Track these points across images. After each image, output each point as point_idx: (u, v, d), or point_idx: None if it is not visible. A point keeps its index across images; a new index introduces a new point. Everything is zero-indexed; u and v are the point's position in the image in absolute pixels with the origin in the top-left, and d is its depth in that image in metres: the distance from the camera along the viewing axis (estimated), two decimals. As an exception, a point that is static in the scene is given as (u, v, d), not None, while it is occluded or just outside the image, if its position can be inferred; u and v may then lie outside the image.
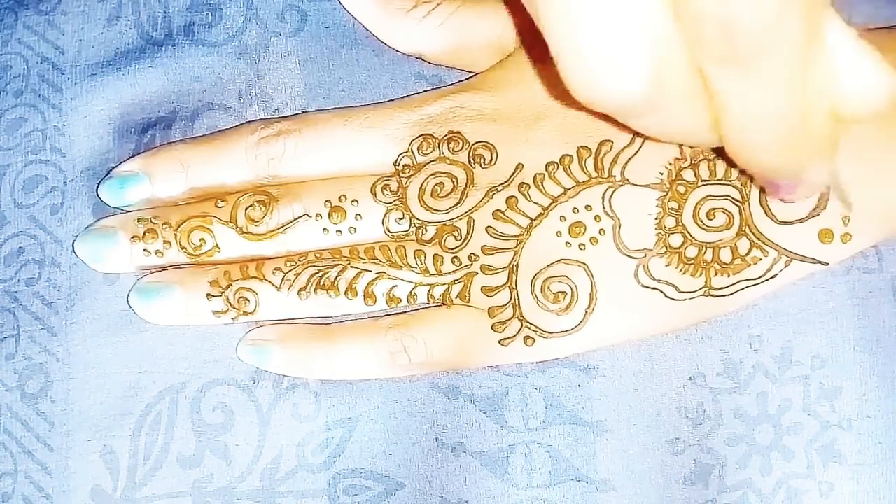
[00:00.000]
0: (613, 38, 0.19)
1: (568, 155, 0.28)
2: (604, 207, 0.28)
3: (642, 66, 0.20)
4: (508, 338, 0.28)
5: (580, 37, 0.20)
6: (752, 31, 0.18)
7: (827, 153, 0.22)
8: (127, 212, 0.30)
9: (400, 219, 0.29)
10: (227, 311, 0.29)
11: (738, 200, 0.27)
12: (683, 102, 0.21)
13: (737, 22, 0.18)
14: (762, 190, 0.27)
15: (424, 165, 0.29)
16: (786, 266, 0.27)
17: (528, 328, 0.28)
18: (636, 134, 0.28)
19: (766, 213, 0.27)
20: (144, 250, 0.29)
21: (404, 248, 0.29)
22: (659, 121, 0.22)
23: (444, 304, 0.29)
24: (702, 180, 0.27)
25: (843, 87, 0.21)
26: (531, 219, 0.28)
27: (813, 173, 0.23)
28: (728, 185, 0.27)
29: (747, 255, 0.27)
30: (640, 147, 0.28)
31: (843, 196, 0.26)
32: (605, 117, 0.22)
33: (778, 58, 0.19)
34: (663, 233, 0.28)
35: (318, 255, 0.29)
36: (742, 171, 0.27)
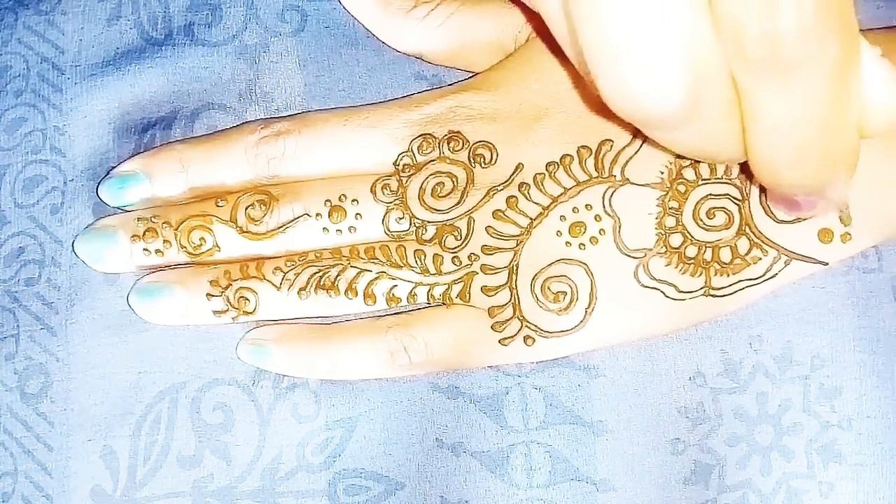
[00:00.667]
0: (649, 46, 0.19)
1: (568, 155, 0.28)
2: (604, 207, 0.28)
3: (679, 75, 0.20)
4: (508, 337, 0.28)
5: (615, 45, 0.20)
6: (796, 44, 0.18)
7: (851, 167, 0.22)
8: (127, 211, 0.30)
9: (400, 218, 0.29)
10: (227, 310, 0.29)
11: (737, 199, 0.27)
12: (719, 114, 0.21)
13: (781, 33, 0.18)
14: (762, 189, 0.27)
15: (424, 165, 0.29)
16: (785, 265, 0.27)
17: (529, 328, 0.28)
18: (636, 133, 0.28)
19: (765, 213, 0.27)
20: (144, 250, 0.29)
21: (404, 247, 0.29)
22: (691, 134, 0.22)
23: (444, 303, 0.29)
24: (702, 179, 0.27)
25: (867, 103, 0.21)
26: (531, 218, 0.28)
27: (834, 189, 0.23)
28: (728, 183, 0.27)
29: (747, 254, 0.27)
30: (640, 146, 0.28)
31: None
32: (609, 116, 0.22)
33: (818, 70, 0.19)
34: (663, 232, 0.28)
35: (318, 255, 0.29)
36: (747, 174, 0.27)
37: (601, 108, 0.22)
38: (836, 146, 0.21)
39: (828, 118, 0.20)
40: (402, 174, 0.29)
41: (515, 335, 0.28)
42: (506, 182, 0.28)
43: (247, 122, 0.31)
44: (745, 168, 0.26)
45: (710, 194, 0.27)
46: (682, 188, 0.27)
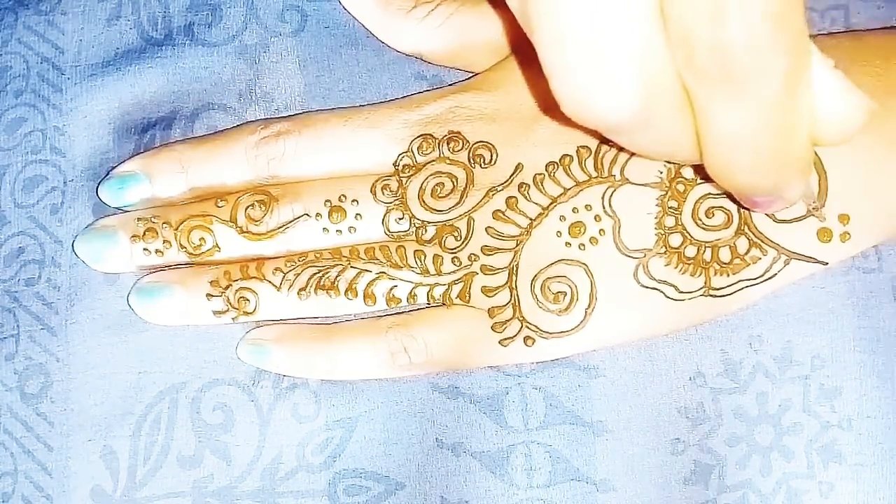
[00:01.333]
0: (603, 55, 0.20)
1: (568, 155, 0.28)
2: (604, 207, 0.28)
3: (632, 83, 0.20)
4: (508, 338, 0.28)
5: (570, 53, 0.20)
6: (744, 54, 0.19)
7: (804, 173, 0.23)
8: (127, 211, 0.30)
9: (400, 219, 0.29)
10: (227, 311, 0.29)
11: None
12: (671, 120, 0.21)
13: (730, 45, 0.18)
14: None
15: (424, 165, 0.29)
16: (785, 265, 0.27)
17: (529, 328, 0.28)
18: None
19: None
20: (144, 250, 0.29)
21: (404, 248, 0.29)
22: (646, 137, 0.22)
23: (444, 304, 0.29)
24: (701, 177, 0.27)
25: (819, 113, 0.21)
26: (531, 219, 0.28)
27: (789, 191, 0.23)
28: None
29: (746, 254, 0.27)
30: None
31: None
32: (565, 121, 0.22)
33: (767, 81, 0.19)
34: (663, 232, 0.28)
35: (318, 255, 0.29)
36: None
37: (557, 112, 0.22)
38: (787, 153, 0.21)
39: (778, 127, 0.20)
40: (401, 174, 0.29)
41: (515, 336, 0.28)
42: (505, 182, 0.28)
43: (247, 122, 0.31)
44: (699, 169, 0.27)
45: (709, 193, 0.27)
46: (681, 187, 0.27)
